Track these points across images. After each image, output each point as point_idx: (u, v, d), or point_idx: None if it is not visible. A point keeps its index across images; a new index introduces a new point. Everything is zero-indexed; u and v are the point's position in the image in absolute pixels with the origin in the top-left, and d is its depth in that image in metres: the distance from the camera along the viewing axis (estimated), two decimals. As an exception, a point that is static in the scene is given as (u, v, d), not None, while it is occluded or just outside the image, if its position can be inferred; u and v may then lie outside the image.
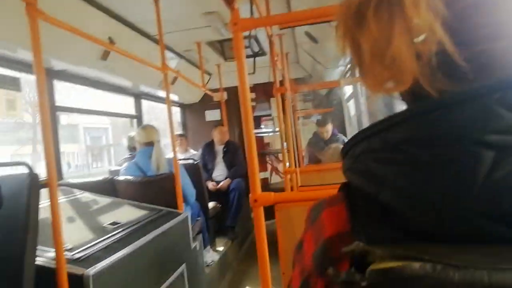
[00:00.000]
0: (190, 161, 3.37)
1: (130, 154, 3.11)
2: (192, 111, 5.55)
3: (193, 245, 2.24)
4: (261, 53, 4.02)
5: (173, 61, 4.11)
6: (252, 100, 5.67)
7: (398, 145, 0.34)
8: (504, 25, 0.36)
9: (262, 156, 5.78)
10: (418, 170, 0.32)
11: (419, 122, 0.34)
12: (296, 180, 2.02)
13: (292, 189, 2.15)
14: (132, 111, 3.99)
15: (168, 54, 3.89)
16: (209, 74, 5.07)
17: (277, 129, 5.25)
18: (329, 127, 4.42)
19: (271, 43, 2.57)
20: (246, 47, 3.92)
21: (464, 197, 0.30)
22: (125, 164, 2.85)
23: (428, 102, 0.34)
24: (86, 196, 2.17)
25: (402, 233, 0.33)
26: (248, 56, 3.89)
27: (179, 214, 2.21)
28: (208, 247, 3.24)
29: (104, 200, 2.18)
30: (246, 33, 1.75)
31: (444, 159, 0.31)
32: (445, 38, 0.34)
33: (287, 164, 4.05)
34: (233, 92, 5.00)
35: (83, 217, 1.88)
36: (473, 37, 0.36)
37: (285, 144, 4.90)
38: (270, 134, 5.97)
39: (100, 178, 2.84)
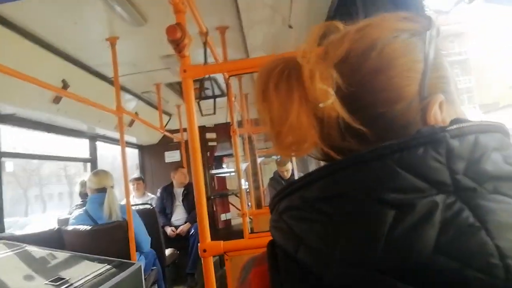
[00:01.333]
0: (146, 206, 3.25)
1: (82, 201, 2.95)
2: (151, 152, 5.43)
3: (146, 297, 2.11)
4: (221, 94, 4.06)
5: (131, 103, 4.06)
6: (213, 140, 5.66)
7: (313, 203, 0.36)
8: (401, 88, 0.38)
9: (224, 197, 5.69)
10: (330, 228, 0.34)
11: (328, 181, 0.36)
12: (245, 226, 1.98)
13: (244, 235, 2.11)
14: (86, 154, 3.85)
15: (127, 96, 3.85)
16: (169, 114, 5.04)
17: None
18: (289, 167, 4.46)
19: (227, 86, 2.60)
20: (206, 89, 3.96)
21: (369, 256, 0.31)
22: (75, 213, 2.69)
23: (336, 162, 0.36)
24: (28, 250, 2.01)
25: None
26: (208, 97, 3.93)
27: (131, 264, 2.08)
28: (165, 297, 3.07)
29: (48, 254, 2.03)
30: (207, 76, 1.77)
31: (351, 218, 0.33)
32: (338, 105, 0.37)
33: (249, 204, 4.01)
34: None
35: (22, 274, 1.73)
36: (373, 101, 0.39)
37: (246, 184, 4.88)
38: (233, 174, 5.94)
39: (46, 229, 2.66)
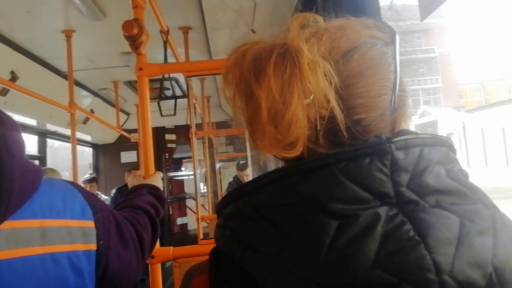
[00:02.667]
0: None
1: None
2: (106, 152, 5.24)
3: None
4: (183, 95, 3.99)
5: (86, 99, 3.90)
6: (173, 142, 5.56)
7: (260, 210, 0.34)
8: (378, 97, 0.37)
9: (181, 200, 5.60)
10: (275, 237, 0.32)
11: (278, 188, 0.34)
12: (199, 231, 1.95)
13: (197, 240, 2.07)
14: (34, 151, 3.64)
15: (82, 92, 3.69)
16: (127, 114, 4.89)
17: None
18: (249, 171, 4.44)
19: (188, 87, 2.56)
20: (167, 89, 3.88)
21: (310, 268, 0.30)
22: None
23: (285, 168, 0.35)
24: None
25: None
26: (168, 98, 3.85)
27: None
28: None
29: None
30: (167, 76, 1.71)
31: (296, 228, 0.32)
32: (337, 106, 0.35)
33: (206, 209, 3.94)
34: (152, 133, 4.85)
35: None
36: (354, 105, 0.38)
37: (205, 188, 4.82)
38: (191, 177, 5.85)
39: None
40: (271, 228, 0.33)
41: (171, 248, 1.18)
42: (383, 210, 0.31)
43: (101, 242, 0.61)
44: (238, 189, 0.38)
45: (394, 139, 0.33)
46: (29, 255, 0.52)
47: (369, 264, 0.29)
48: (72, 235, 0.57)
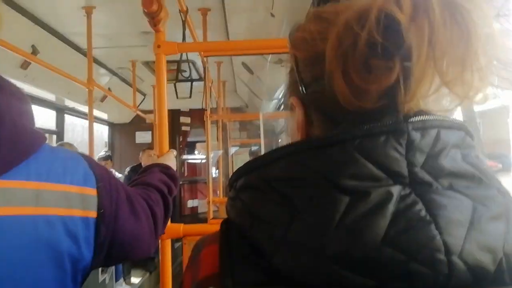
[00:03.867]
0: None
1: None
2: (122, 131, 5.31)
3: (101, 278, 2.06)
4: (199, 78, 4.00)
5: (104, 78, 3.93)
6: (187, 124, 5.59)
7: (271, 183, 0.35)
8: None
9: (193, 183, 5.65)
10: (286, 210, 0.33)
11: (290, 162, 0.35)
12: (209, 212, 1.97)
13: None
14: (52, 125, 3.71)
15: (100, 70, 3.72)
16: (144, 94, 4.92)
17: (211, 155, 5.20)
18: (261, 158, 4.45)
19: (205, 69, 2.56)
20: (184, 71, 3.89)
21: (319, 242, 0.30)
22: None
23: (298, 143, 0.36)
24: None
25: (270, 275, 0.32)
26: (185, 80, 3.86)
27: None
28: (121, 279, 3.01)
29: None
30: (185, 57, 1.70)
31: (307, 202, 0.32)
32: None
33: (218, 192, 3.97)
34: (167, 115, 4.88)
35: None
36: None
37: (217, 172, 4.85)
38: (204, 160, 5.89)
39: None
40: (282, 200, 0.33)
41: (182, 225, 1.20)
42: (395, 189, 0.31)
43: (102, 211, 0.61)
44: (251, 162, 0.38)
45: (411, 119, 0.33)
46: (20, 214, 0.52)
47: (378, 241, 0.29)
48: (70, 200, 0.57)
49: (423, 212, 0.30)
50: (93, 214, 0.60)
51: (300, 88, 0.40)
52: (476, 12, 0.32)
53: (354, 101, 0.34)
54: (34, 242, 0.52)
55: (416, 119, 0.33)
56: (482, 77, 0.33)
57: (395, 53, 0.32)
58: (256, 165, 0.37)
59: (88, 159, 0.65)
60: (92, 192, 0.60)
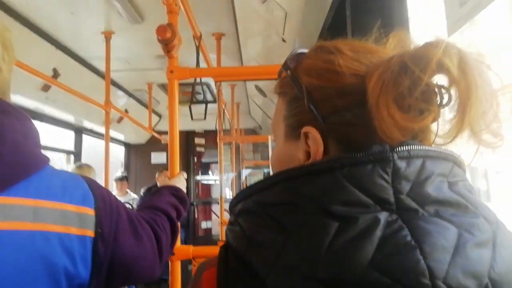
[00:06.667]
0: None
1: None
2: (138, 151, 5.39)
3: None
4: (213, 100, 4.06)
5: (121, 99, 4.03)
6: (202, 145, 5.64)
7: (266, 208, 0.36)
8: None
9: (207, 204, 5.65)
10: (278, 234, 0.34)
11: (284, 188, 0.36)
12: (221, 233, 1.96)
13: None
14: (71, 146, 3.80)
15: (117, 92, 3.83)
16: (159, 115, 5.02)
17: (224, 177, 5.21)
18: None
19: (218, 92, 2.61)
20: (198, 94, 3.95)
21: (309, 265, 0.31)
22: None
23: (292, 170, 0.37)
24: None
25: None
26: (199, 102, 3.91)
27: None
28: (134, 300, 3.01)
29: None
30: (199, 80, 1.75)
31: (299, 227, 0.33)
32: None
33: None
34: (182, 136, 4.94)
35: None
36: None
37: (230, 194, 4.85)
38: (217, 182, 5.90)
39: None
40: (275, 225, 0.35)
41: (191, 246, 1.21)
42: (382, 215, 0.32)
43: (100, 231, 0.62)
44: (249, 187, 0.40)
45: (396, 149, 0.34)
46: (17, 229, 0.53)
47: (365, 265, 0.30)
48: (67, 218, 0.58)
49: (409, 238, 0.30)
50: (90, 233, 0.61)
51: (319, 118, 0.40)
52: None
53: (397, 136, 0.36)
54: (30, 256, 0.53)
55: (402, 149, 0.34)
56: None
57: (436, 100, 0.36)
58: (253, 190, 0.39)
59: (90, 181, 0.67)
60: (90, 211, 0.62)
